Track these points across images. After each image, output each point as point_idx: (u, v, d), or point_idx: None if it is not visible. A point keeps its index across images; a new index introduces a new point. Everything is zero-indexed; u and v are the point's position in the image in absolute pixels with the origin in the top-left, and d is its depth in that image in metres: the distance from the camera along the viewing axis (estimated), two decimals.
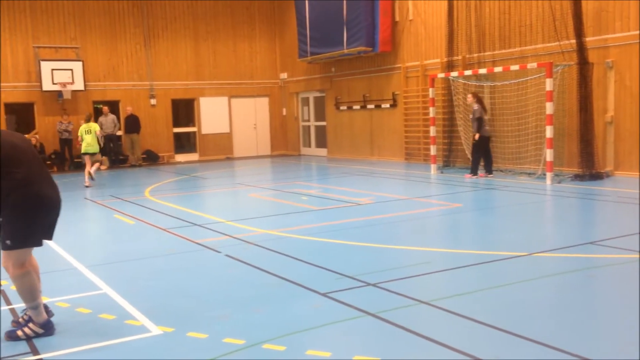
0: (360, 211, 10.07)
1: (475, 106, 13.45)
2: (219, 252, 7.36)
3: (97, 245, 8.31)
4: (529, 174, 13.53)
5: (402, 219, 9.28)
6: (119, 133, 20.89)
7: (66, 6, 20.35)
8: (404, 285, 5.68)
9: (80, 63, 20.05)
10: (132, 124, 20.46)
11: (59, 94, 19.95)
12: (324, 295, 5.45)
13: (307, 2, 20.29)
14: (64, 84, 19.65)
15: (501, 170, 14.31)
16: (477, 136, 13.49)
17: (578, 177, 12.59)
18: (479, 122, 13.36)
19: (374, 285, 5.69)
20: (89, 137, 15.15)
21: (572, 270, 6.05)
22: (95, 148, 15.23)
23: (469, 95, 13.91)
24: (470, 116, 13.82)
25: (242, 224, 9.12)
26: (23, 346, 4.50)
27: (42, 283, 5.16)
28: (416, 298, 5.25)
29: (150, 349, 4.36)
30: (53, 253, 7.63)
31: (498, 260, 6.44)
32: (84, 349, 4.39)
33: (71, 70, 19.82)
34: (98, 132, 15.44)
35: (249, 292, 5.74)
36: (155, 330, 4.73)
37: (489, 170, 13.73)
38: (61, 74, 19.67)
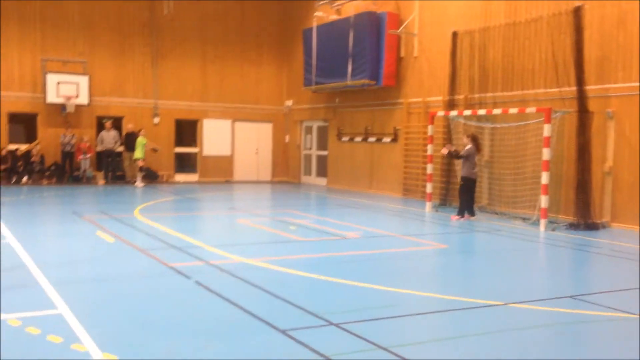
0: (344, 245, 9.89)
1: (468, 145, 13.31)
2: (189, 277, 7.19)
3: (69, 262, 8.15)
4: (524, 219, 13.31)
5: (384, 256, 9.09)
6: (119, 149, 20.88)
7: (76, 21, 20.56)
8: (367, 327, 5.48)
9: (86, 77, 20.16)
10: (130, 142, 20.37)
11: (62, 107, 20.01)
12: (282, 332, 5.27)
13: (314, 32, 20.39)
14: (68, 97, 19.72)
15: (496, 213, 14.10)
16: (450, 153, 13.62)
17: (573, 226, 12.36)
18: (464, 159, 13.24)
19: (336, 325, 5.50)
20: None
21: (543, 325, 5.83)
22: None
23: (464, 137, 13.80)
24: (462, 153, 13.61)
25: (221, 250, 8.96)
26: None
27: (2, 298, 5.28)
28: (375, 342, 5.05)
29: None
30: (22, 267, 7.49)
31: (469, 308, 6.23)
32: None
33: (77, 84, 19.92)
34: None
35: (206, 324, 5.57)
36: (99, 357, 4.56)
37: (471, 212, 13.49)
38: (66, 87, 19.77)
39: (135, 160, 19.86)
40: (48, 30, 20.15)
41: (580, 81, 12.58)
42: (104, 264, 8.02)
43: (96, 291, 6.65)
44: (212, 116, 22.91)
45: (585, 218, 12.48)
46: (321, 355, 4.73)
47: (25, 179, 19.44)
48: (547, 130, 12.06)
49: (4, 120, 19.81)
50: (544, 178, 12.18)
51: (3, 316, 5.45)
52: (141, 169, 19.82)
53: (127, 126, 20.96)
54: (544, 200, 12.21)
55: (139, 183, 19.53)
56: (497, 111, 13.62)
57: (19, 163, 19.52)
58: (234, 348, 4.92)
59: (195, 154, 23.04)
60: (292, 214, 13.90)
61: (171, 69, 22.08)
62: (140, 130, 20.07)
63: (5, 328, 5.18)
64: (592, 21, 12.91)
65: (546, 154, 12.10)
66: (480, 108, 14.79)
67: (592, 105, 12.71)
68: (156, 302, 6.25)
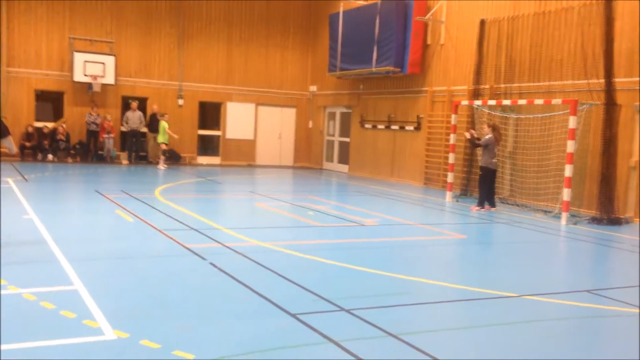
0: (361, 232, 9.87)
1: (488, 135, 13.14)
2: (205, 259, 7.23)
3: (87, 239, 8.25)
4: (546, 211, 13.14)
5: (401, 244, 9.05)
6: (143, 130, 21.03)
7: (104, 1, 20.67)
8: (378, 314, 5.47)
9: (112, 57, 20.29)
10: (154, 122, 20.47)
11: (89, 86, 20.20)
12: (293, 316, 5.28)
13: (341, 17, 20.25)
14: (94, 77, 19.90)
15: (517, 205, 13.94)
16: (471, 139, 13.46)
17: (595, 220, 12.18)
18: (484, 148, 13.14)
19: (347, 311, 5.49)
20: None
21: (558, 318, 5.75)
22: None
23: (485, 126, 13.63)
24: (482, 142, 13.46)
25: (238, 233, 9.00)
26: None
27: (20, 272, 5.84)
28: (385, 329, 5.03)
29: (94, 354, 4.24)
30: (42, 243, 7.61)
31: (483, 298, 6.18)
32: (27, 346, 4.28)
33: (103, 63, 20.07)
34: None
35: (218, 304, 5.60)
36: (110, 334, 4.61)
37: (492, 203, 13.34)
38: (93, 67, 19.93)
39: (159, 143, 19.90)
40: (76, 9, 20.29)
41: (609, 73, 12.33)
42: (122, 242, 8.12)
43: (112, 269, 6.73)
44: (236, 100, 22.94)
45: (608, 213, 12.29)
46: (330, 339, 4.72)
47: (50, 156, 19.70)
48: (572, 122, 11.85)
49: (32, 97, 20.08)
50: (568, 171, 11.99)
51: (19, 290, 5.55)
52: (164, 152, 19.90)
53: (152, 107, 21.08)
54: (566, 194, 12.03)
55: (161, 165, 19.63)
56: (522, 102, 13.41)
57: (45, 141, 19.78)
58: (245, 327, 4.94)
59: (218, 137, 23.12)
60: (312, 199, 13.89)
61: (197, 51, 22.13)
62: (164, 115, 20.10)
63: (20, 302, 5.27)
64: (623, 13, 12.61)
65: (571, 146, 11.91)
66: (506, 98, 14.58)
67: (620, 98, 12.46)
68: (170, 282, 6.30)
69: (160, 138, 19.62)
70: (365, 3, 19.71)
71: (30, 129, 19.61)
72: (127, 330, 4.68)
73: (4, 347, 4.25)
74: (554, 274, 8.05)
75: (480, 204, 13.21)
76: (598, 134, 12.72)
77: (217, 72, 22.52)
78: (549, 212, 13.00)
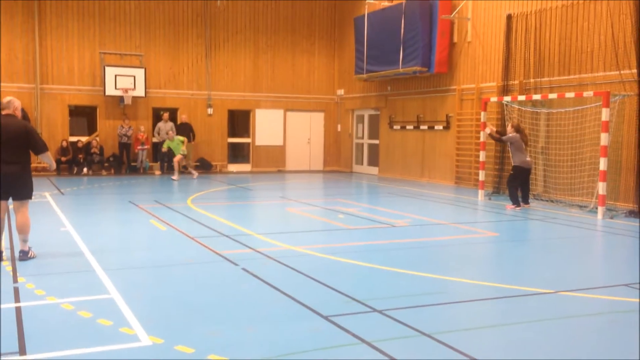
0: (393, 233, 9.83)
1: (512, 134, 12.95)
2: (237, 265, 7.30)
3: (122, 249, 8.40)
4: (581, 206, 12.91)
5: (432, 244, 8.99)
6: None
7: (133, 15, 21.06)
8: (412, 314, 5.44)
9: (142, 70, 20.64)
10: (183, 132, 20.64)
11: (120, 99, 20.57)
12: (325, 318, 5.29)
13: (366, 19, 20.25)
14: (125, 90, 20.27)
15: (552, 201, 13.72)
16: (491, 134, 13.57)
17: (632, 214, 11.90)
18: (512, 147, 12.99)
19: (380, 312, 5.48)
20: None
21: (594, 314, 5.65)
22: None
23: (509, 126, 13.43)
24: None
25: (269, 238, 9.05)
26: (13, 345, 4.54)
27: (58, 283, 6.33)
28: (419, 329, 5.01)
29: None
30: (79, 254, 7.77)
31: (518, 296, 6.09)
32: (67, 353, 4.38)
33: (133, 76, 20.42)
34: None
35: (251, 309, 5.64)
36: (146, 340, 4.69)
37: (525, 200, 13.13)
38: (124, 80, 20.31)
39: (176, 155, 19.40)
40: (106, 24, 20.71)
41: None
42: (156, 251, 8.24)
43: (146, 277, 6.83)
44: (264, 106, 23.11)
45: None
46: (363, 340, 4.72)
47: (85, 170, 20.11)
48: (605, 114, 11.64)
49: (66, 113, 20.54)
50: (602, 164, 11.77)
51: (57, 300, 5.68)
52: (184, 166, 19.75)
53: (181, 117, 21.37)
54: (601, 187, 11.81)
55: (194, 173, 19.84)
56: (552, 96, 13.21)
57: (80, 155, 20.20)
58: (278, 331, 4.97)
59: (248, 144, 23.31)
60: (342, 202, 13.89)
61: (224, 60, 22.37)
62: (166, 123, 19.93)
63: (59, 312, 5.39)
64: None
65: (604, 139, 11.68)
66: (536, 93, 14.39)
67: None
68: (203, 288, 6.37)
69: (175, 150, 19.19)
70: (389, 4, 19.68)
71: (65, 144, 20.05)
72: (162, 336, 4.75)
73: (45, 356, 4.35)
74: (590, 269, 7.90)
75: (516, 202, 12.99)
76: (632, 126, 12.44)
77: (244, 80, 22.73)
78: (585, 207, 12.76)
